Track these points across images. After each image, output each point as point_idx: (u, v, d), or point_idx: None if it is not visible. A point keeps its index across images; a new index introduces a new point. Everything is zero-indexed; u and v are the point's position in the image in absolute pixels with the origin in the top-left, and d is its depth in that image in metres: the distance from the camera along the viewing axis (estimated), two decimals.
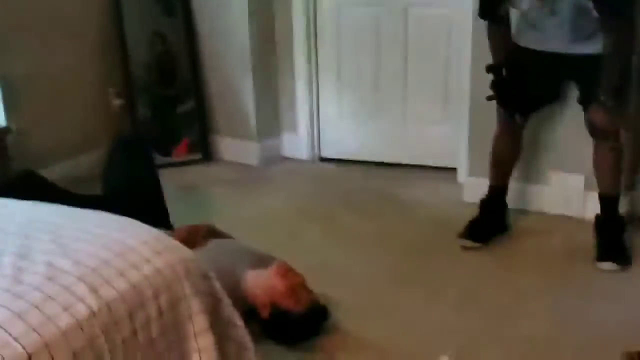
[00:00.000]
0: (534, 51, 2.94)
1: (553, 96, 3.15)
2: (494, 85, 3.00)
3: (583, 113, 2.92)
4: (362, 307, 2.61)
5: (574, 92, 3.07)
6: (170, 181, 3.62)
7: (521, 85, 2.98)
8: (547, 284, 2.76)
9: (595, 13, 2.68)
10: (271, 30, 4.12)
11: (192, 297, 1.53)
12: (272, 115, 4.22)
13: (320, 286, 2.54)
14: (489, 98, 3.03)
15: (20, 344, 1.24)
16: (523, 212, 3.36)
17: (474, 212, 3.21)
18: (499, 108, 3.07)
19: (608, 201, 2.99)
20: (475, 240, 3.09)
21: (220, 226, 2.78)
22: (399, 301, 2.67)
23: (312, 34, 4.07)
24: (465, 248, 3.07)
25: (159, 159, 3.88)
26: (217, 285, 1.63)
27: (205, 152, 4.21)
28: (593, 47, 2.78)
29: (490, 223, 3.17)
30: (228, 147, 4.22)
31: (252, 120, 4.12)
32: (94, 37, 3.96)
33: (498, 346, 2.38)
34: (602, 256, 2.88)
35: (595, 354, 2.28)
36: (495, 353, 2.34)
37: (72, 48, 3.82)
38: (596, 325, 2.46)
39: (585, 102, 2.91)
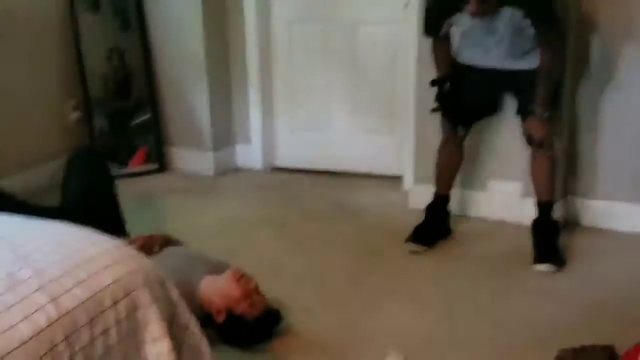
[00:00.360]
0: (474, 67, 3.00)
1: (492, 108, 3.22)
2: (438, 98, 3.05)
3: (520, 124, 3.00)
4: (314, 309, 2.62)
5: (511, 105, 3.14)
6: (127, 191, 3.57)
7: (463, 98, 3.03)
8: (488, 285, 2.81)
9: (531, 31, 2.75)
10: (225, 44, 4.11)
11: (149, 304, 1.51)
12: (226, 126, 4.21)
13: (274, 290, 2.55)
14: (433, 110, 3.08)
15: None
16: (465, 217, 3.42)
17: (419, 217, 3.25)
18: (442, 119, 3.12)
19: (544, 207, 3.05)
20: (421, 243, 3.12)
21: (175, 235, 2.76)
22: (349, 302, 2.69)
23: (265, 48, 4.08)
24: (411, 251, 3.10)
25: (116, 169, 3.85)
26: (174, 292, 1.62)
27: (161, 162, 4.17)
28: (529, 62, 2.86)
29: (435, 228, 3.21)
30: (183, 157, 4.19)
31: (207, 131, 4.10)
32: (50, 51, 3.89)
33: (443, 344, 2.41)
34: (538, 258, 2.94)
35: (532, 351, 2.32)
36: (440, 351, 2.37)
37: (30, 62, 3.76)
38: (534, 324, 2.50)
39: (522, 113, 2.98)
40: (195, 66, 4.02)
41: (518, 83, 2.97)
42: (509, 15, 2.71)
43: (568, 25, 3.02)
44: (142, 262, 1.58)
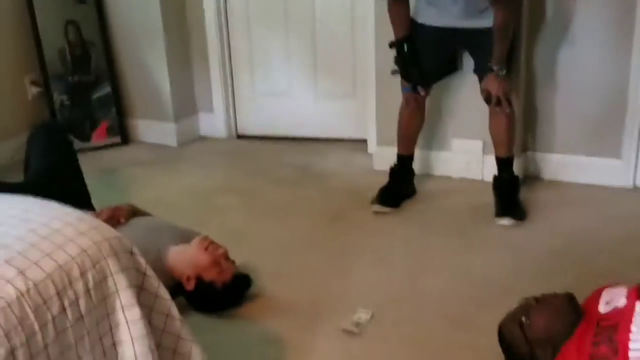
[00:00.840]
0: (432, 27, 3.01)
1: (451, 68, 3.25)
2: (397, 60, 3.07)
3: (478, 83, 3.03)
4: (283, 273, 2.66)
5: (469, 64, 3.18)
6: (91, 165, 3.56)
7: (421, 59, 3.05)
8: (453, 240, 2.87)
9: None
10: (183, 13, 4.07)
11: (118, 273, 1.53)
12: (187, 96, 4.19)
13: (242, 257, 2.58)
14: (393, 72, 3.10)
15: None
16: (428, 176, 3.46)
17: (384, 179, 3.29)
18: (402, 81, 3.14)
19: (504, 162, 3.11)
20: (386, 205, 3.17)
21: (141, 206, 2.76)
22: (318, 265, 2.74)
23: (223, 16, 4.05)
24: (377, 213, 3.14)
25: (79, 143, 3.83)
26: (142, 260, 1.63)
27: (124, 135, 4.14)
28: (485, 21, 2.87)
29: (400, 189, 3.25)
30: (146, 129, 4.17)
31: (168, 102, 4.07)
32: (6, 27, 3.81)
33: (409, 299, 2.46)
34: (500, 212, 3.01)
35: (496, 301, 2.35)
36: (407, 305, 2.43)
37: None
38: (497, 275, 2.58)
39: (479, 72, 3.02)
40: (154, 37, 3.98)
41: (475, 41, 2.99)
42: None
43: None
44: (108, 232, 1.58)
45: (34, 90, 3.94)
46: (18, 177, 2.78)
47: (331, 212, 3.19)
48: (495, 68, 2.88)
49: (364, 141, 3.87)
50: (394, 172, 3.28)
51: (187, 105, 4.17)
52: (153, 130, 4.14)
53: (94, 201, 2.78)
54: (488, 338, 2.15)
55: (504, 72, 2.90)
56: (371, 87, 3.64)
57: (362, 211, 3.14)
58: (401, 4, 3.00)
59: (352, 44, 3.87)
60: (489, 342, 2.07)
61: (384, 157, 3.45)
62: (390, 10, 3.02)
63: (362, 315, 2.33)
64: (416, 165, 3.35)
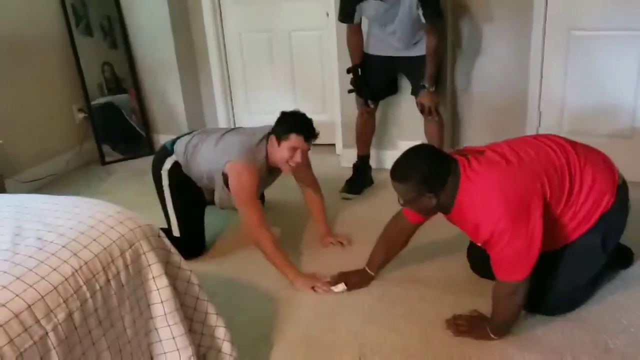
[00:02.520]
0: (378, 56, 3.03)
1: (393, 89, 3.27)
2: (353, 81, 3.08)
3: (415, 99, 3.04)
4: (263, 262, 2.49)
5: (406, 87, 3.19)
6: (128, 170, 3.56)
7: (370, 80, 3.07)
8: None
9: (420, 22, 2.77)
10: (191, 51, 4.04)
11: (149, 251, 1.53)
12: (198, 115, 4.16)
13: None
14: (350, 91, 3.12)
15: (21, 298, 1.22)
16: (382, 170, 3.46)
17: (349, 173, 3.31)
18: (357, 97, 3.15)
19: None
20: (351, 192, 3.18)
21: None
22: (295, 245, 2.69)
23: (223, 53, 4.04)
24: (345, 198, 3.16)
25: (117, 154, 3.84)
26: (167, 241, 1.64)
27: (150, 146, 4.11)
28: (418, 50, 2.91)
29: (361, 180, 3.27)
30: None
31: (183, 120, 4.05)
32: (55, 66, 3.76)
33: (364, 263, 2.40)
34: None
35: (440, 258, 2.41)
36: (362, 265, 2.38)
37: (40, 76, 3.64)
38: (439, 236, 2.57)
39: (415, 90, 3.04)
40: (170, 70, 3.95)
41: (410, 66, 3.00)
42: (407, 5, 2.72)
43: (446, 14, 3.08)
44: (140, 221, 1.59)
45: (80, 116, 3.89)
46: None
47: None
48: (427, 85, 2.90)
49: (333, 145, 3.88)
50: (355, 167, 3.30)
51: (197, 121, 4.14)
52: None
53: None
54: (434, 288, 2.18)
55: (434, 88, 2.92)
56: (337, 103, 3.65)
57: (334, 198, 3.14)
58: (357, 34, 3.01)
59: (321, 71, 3.87)
60: (432, 274, 2.11)
61: (348, 157, 3.47)
62: (348, 41, 3.03)
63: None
64: (372, 161, 3.36)
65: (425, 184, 1.83)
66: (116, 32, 3.91)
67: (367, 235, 2.69)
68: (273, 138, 2.43)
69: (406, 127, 3.40)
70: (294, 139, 2.37)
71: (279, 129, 2.42)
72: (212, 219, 2.80)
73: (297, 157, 2.39)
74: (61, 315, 1.27)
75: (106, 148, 3.97)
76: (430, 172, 1.83)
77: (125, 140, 4.07)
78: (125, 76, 3.99)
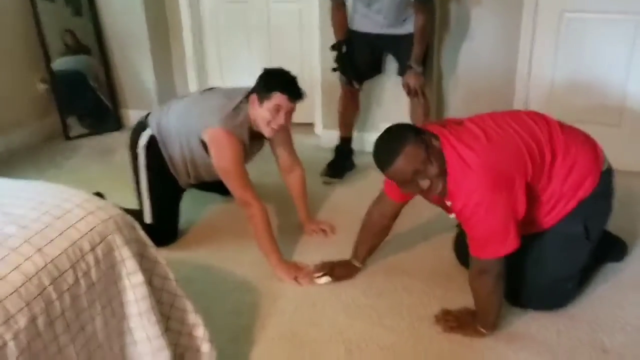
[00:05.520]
0: (363, 33, 2.89)
1: (378, 69, 3.13)
2: (337, 59, 2.95)
3: (401, 80, 2.92)
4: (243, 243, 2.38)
5: (391, 68, 3.07)
6: (93, 147, 3.36)
7: (356, 59, 2.93)
8: None
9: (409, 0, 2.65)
10: (164, 23, 3.83)
11: (122, 245, 1.39)
12: (169, 90, 3.96)
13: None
14: (334, 69, 2.98)
15: None
16: (363, 153, 3.33)
17: (329, 154, 3.19)
18: (341, 77, 3.01)
19: None
20: (332, 176, 3.06)
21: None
22: (281, 223, 2.59)
23: (197, 26, 3.83)
24: (326, 183, 3.03)
25: (83, 129, 3.61)
26: (142, 233, 1.50)
27: (118, 122, 3.90)
28: (405, 29, 2.78)
29: (343, 163, 3.15)
30: (135, 117, 3.90)
31: (153, 95, 3.85)
32: (16, 34, 3.51)
33: (349, 250, 2.28)
34: None
35: (421, 245, 2.33)
36: (346, 255, 2.27)
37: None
38: (420, 222, 2.51)
39: (401, 70, 2.92)
40: (140, 41, 3.73)
41: (397, 45, 2.87)
42: None
43: None
44: (113, 210, 1.44)
45: (41, 86, 3.65)
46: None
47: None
48: (413, 65, 2.78)
49: (311, 124, 3.75)
50: (337, 150, 3.18)
51: (168, 95, 3.93)
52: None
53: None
54: (420, 279, 2.10)
55: (421, 69, 2.80)
56: (316, 81, 3.51)
57: (314, 181, 3.00)
58: (341, 11, 2.87)
59: (300, 45, 3.70)
60: (418, 266, 2.01)
61: (328, 138, 3.36)
62: (332, 17, 2.89)
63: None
64: (354, 144, 3.24)
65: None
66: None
67: (349, 221, 2.59)
68: (254, 97, 2.23)
69: (390, 108, 3.28)
70: (278, 98, 2.19)
71: (261, 87, 2.22)
72: (184, 204, 2.64)
73: (280, 119, 2.22)
74: (22, 321, 1.12)
75: (71, 121, 3.75)
76: (418, 142, 1.73)
77: (91, 113, 3.85)
78: (89, 45, 3.75)
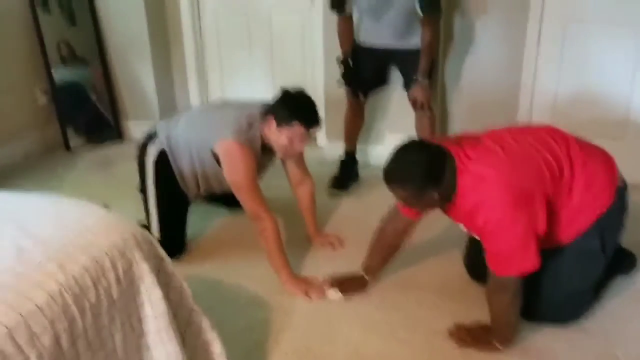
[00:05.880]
0: (369, 46, 2.89)
1: (383, 81, 3.13)
2: (343, 72, 2.95)
3: (407, 93, 2.92)
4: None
5: (396, 80, 3.06)
6: (92, 159, 3.32)
7: (361, 71, 2.93)
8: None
9: (418, 13, 2.65)
10: (165, 32, 3.81)
11: (141, 261, 1.37)
12: (170, 100, 3.94)
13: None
14: (339, 82, 2.99)
15: None
16: (368, 165, 3.34)
17: (333, 167, 3.18)
18: (347, 89, 3.02)
19: None
20: (338, 189, 3.06)
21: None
22: (288, 241, 2.51)
23: (198, 33, 3.82)
24: (332, 195, 3.02)
25: (83, 140, 3.57)
26: (160, 249, 1.48)
27: (119, 133, 3.88)
28: (411, 42, 2.79)
29: (347, 176, 3.14)
30: (136, 128, 3.91)
31: (154, 105, 3.83)
32: (17, 45, 3.48)
33: (357, 263, 2.25)
34: None
35: (435, 259, 2.32)
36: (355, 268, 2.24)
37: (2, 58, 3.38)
38: (430, 235, 2.51)
39: (407, 84, 2.92)
40: (141, 52, 3.71)
41: (404, 59, 2.88)
42: None
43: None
44: (132, 227, 1.42)
45: (42, 97, 3.62)
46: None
47: (290, 196, 2.95)
48: (420, 79, 2.79)
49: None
50: (342, 163, 3.17)
51: (169, 107, 3.93)
52: (142, 128, 3.85)
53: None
54: (432, 293, 2.08)
55: (427, 82, 2.81)
56: (319, 92, 3.51)
57: (318, 193, 2.98)
58: (347, 24, 2.88)
59: (302, 57, 3.70)
60: (429, 279, 1.99)
61: (332, 150, 3.35)
62: (338, 30, 2.90)
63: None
64: (358, 156, 3.23)
65: (425, 183, 1.74)
66: (77, 8, 3.65)
67: (357, 233, 2.60)
68: (272, 120, 2.19)
69: (395, 120, 3.29)
70: (297, 129, 2.16)
71: (280, 112, 2.17)
72: (191, 217, 2.62)
73: (298, 146, 2.20)
74: (46, 340, 1.10)
75: (71, 132, 3.72)
76: (427, 168, 1.73)
77: (91, 125, 3.82)
78: (86, 55, 3.73)
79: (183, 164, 2.35)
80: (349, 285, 2.19)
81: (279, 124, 2.17)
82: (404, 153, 1.79)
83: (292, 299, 2.15)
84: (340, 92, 3.09)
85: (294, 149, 2.21)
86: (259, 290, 2.21)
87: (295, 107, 2.18)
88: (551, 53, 3.03)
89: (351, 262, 2.30)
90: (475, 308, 2.03)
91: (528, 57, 3.07)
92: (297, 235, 2.60)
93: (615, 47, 2.89)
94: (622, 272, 2.22)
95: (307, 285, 2.18)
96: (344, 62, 2.91)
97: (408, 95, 2.91)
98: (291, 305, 2.12)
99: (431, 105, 2.92)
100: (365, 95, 3.06)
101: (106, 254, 1.29)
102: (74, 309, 1.17)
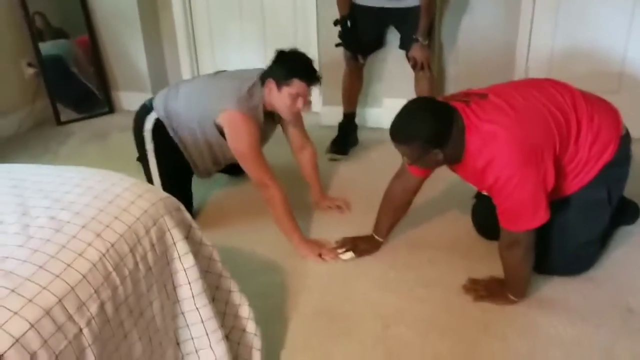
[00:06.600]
0: (367, 7, 2.86)
1: (381, 43, 3.12)
2: (341, 34, 2.91)
3: (405, 54, 2.90)
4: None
5: (393, 41, 3.05)
6: (86, 131, 3.26)
7: (360, 32, 2.91)
8: (387, 176, 2.51)
9: None
10: (154, 1, 3.73)
11: (173, 228, 1.36)
12: (160, 71, 3.88)
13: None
14: (338, 45, 2.95)
15: (49, 291, 1.05)
16: (365, 128, 3.36)
17: (331, 132, 3.17)
18: (345, 52, 3.00)
19: None
20: (338, 153, 3.06)
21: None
22: (294, 204, 2.47)
23: (188, 4, 3.73)
24: (332, 160, 3.03)
25: (74, 114, 3.49)
26: (187, 215, 1.47)
27: (110, 105, 3.81)
28: (410, 1, 2.75)
29: (347, 140, 3.14)
30: (127, 99, 3.85)
31: (145, 76, 3.77)
32: (3, 16, 3.37)
33: (365, 226, 2.28)
34: None
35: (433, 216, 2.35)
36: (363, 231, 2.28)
37: None
38: (429, 194, 2.54)
39: (405, 44, 2.90)
40: (131, 21, 3.63)
41: (401, 18, 2.85)
42: None
43: None
44: (161, 193, 1.41)
45: (30, 71, 3.52)
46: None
47: (290, 162, 2.94)
48: (420, 39, 2.78)
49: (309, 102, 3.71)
50: (341, 126, 3.17)
51: (161, 78, 3.87)
52: (134, 100, 3.77)
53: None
54: (444, 251, 2.11)
55: (427, 42, 2.80)
56: (313, 57, 3.43)
57: (320, 158, 2.99)
58: None
59: (294, 22, 3.65)
60: (439, 238, 2.02)
61: (329, 115, 3.33)
62: None
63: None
64: (357, 120, 3.23)
65: (431, 141, 1.76)
66: None
67: (361, 196, 2.63)
68: (272, 82, 2.19)
69: (392, 83, 3.28)
70: (297, 85, 2.16)
71: (278, 72, 2.18)
72: (196, 185, 2.61)
73: (300, 104, 2.20)
74: (94, 308, 1.10)
75: (61, 106, 3.64)
76: (434, 128, 1.75)
77: (78, 97, 3.74)
78: (66, 27, 3.62)
79: (184, 136, 2.33)
80: (361, 246, 2.21)
81: (278, 85, 2.17)
82: (410, 110, 1.80)
83: (305, 262, 2.17)
84: (336, 57, 3.07)
85: (297, 107, 2.20)
86: (271, 255, 2.22)
87: (292, 65, 2.18)
88: (547, 9, 3.03)
89: (358, 225, 2.32)
90: (486, 263, 2.08)
91: (524, 14, 3.08)
92: (301, 202, 2.60)
93: (610, 2, 2.90)
94: (626, 222, 2.28)
95: (319, 248, 2.20)
96: (342, 24, 2.88)
97: (407, 55, 2.89)
98: (305, 268, 2.14)
99: (431, 65, 2.91)
100: (364, 57, 3.03)
101: (139, 220, 1.28)
102: (114, 276, 1.16)
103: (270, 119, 2.33)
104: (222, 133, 2.24)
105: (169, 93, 2.39)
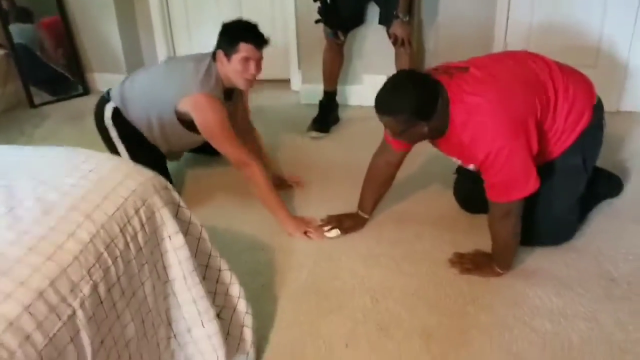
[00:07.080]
0: None
1: (361, 18, 3.11)
2: (321, 10, 2.89)
3: (385, 30, 2.90)
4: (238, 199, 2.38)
5: (373, 17, 3.03)
6: (62, 113, 3.18)
7: (340, 9, 2.89)
8: (369, 153, 2.52)
9: None
10: None
11: (162, 207, 1.34)
12: (136, 52, 3.81)
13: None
14: (317, 21, 2.93)
15: (42, 273, 1.02)
16: (346, 105, 3.36)
17: (311, 111, 3.15)
18: (325, 28, 2.97)
19: None
20: (320, 131, 3.05)
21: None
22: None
23: None
24: (313, 138, 3.02)
25: (47, 96, 3.40)
26: (176, 194, 1.45)
27: (85, 87, 3.73)
28: None
29: (328, 117, 3.13)
30: (103, 80, 3.77)
31: (120, 57, 3.69)
32: None
33: (349, 203, 2.28)
34: None
35: (414, 191, 2.36)
36: (347, 208, 2.29)
37: None
38: (410, 170, 2.55)
39: (386, 20, 2.89)
40: (104, 2, 3.55)
41: None
42: None
43: None
44: (148, 173, 1.38)
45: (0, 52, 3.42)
46: None
47: (273, 141, 2.95)
48: (400, 15, 2.77)
49: (287, 81, 3.69)
50: (322, 104, 3.15)
51: (136, 60, 3.79)
52: (109, 82, 3.69)
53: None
54: (429, 226, 2.13)
55: (407, 18, 2.79)
56: (291, 34, 3.44)
57: (300, 137, 3.01)
58: None
59: (272, 2, 3.62)
60: (423, 212, 2.06)
61: (309, 93, 3.31)
62: None
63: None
64: (338, 97, 3.22)
65: (416, 114, 1.75)
66: None
67: (343, 174, 2.64)
68: (221, 54, 2.17)
69: (372, 60, 3.27)
70: (244, 48, 2.13)
71: (224, 42, 2.17)
72: (174, 166, 2.58)
73: (252, 68, 2.17)
74: (86, 289, 1.07)
75: (34, 89, 3.55)
76: (419, 101, 1.74)
77: (48, 79, 3.64)
78: (32, 8, 3.51)
79: (142, 126, 2.32)
80: (347, 223, 2.22)
81: (227, 54, 2.16)
82: (397, 82, 1.79)
83: (292, 240, 2.17)
84: (314, 36, 3.05)
85: (250, 72, 2.17)
86: (256, 233, 2.22)
87: (235, 31, 2.17)
88: None
89: (342, 202, 2.33)
90: (471, 237, 2.10)
91: None
92: None
93: None
94: (610, 195, 2.32)
95: (306, 225, 2.20)
96: (321, 0, 2.85)
97: (388, 32, 2.89)
98: (292, 245, 2.14)
99: (411, 42, 2.90)
100: (345, 33, 3.01)
101: (128, 200, 1.26)
102: (106, 257, 1.14)
103: (229, 98, 2.31)
104: (180, 120, 2.22)
105: (124, 83, 2.36)
